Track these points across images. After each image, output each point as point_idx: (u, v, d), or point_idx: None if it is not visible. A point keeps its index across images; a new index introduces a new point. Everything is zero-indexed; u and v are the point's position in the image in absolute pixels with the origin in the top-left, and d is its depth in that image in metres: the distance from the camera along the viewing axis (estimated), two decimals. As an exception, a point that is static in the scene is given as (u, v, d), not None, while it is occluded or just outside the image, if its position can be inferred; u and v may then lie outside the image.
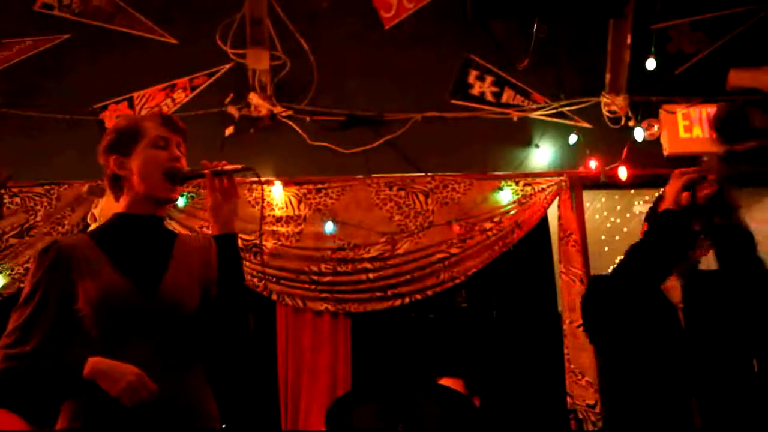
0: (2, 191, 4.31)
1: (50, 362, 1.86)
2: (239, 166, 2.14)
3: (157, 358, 1.92)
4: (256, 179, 4.53)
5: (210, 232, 4.32)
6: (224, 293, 2.04)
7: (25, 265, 4.29)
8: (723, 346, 2.41)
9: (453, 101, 4.82)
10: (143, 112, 4.68)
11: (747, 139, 2.31)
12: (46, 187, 4.46)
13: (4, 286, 4.26)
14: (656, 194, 2.63)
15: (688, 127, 4.66)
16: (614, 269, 2.46)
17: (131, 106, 4.72)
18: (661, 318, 2.47)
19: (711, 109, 4.66)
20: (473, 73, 4.87)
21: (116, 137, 2.09)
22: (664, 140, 4.70)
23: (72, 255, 1.97)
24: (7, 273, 4.28)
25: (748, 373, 2.40)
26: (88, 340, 1.92)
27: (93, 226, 4.25)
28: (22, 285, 4.25)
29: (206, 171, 2.10)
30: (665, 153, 4.68)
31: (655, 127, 4.69)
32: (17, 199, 4.41)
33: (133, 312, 1.94)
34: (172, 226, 4.34)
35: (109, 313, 1.92)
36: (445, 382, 3.75)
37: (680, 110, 4.69)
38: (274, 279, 4.36)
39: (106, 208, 4.32)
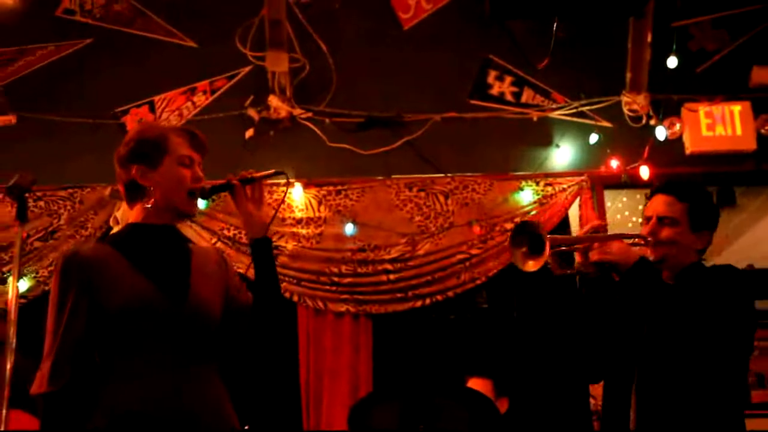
0: (26, 195, 4.36)
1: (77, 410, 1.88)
2: (270, 172, 2.19)
3: (180, 365, 1.94)
4: (279, 181, 4.55)
5: (229, 234, 4.36)
6: (263, 298, 2.10)
7: (50, 269, 4.33)
8: None
9: (472, 102, 4.81)
10: (164, 116, 4.71)
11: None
12: (70, 190, 4.50)
13: (29, 289, 4.30)
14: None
15: (710, 126, 4.62)
16: None
17: (152, 109, 4.75)
18: None
19: (734, 107, 4.63)
20: (492, 73, 4.85)
21: (140, 147, 2.06)
22: (686, 139, 4.66)
23: (93, 262, 1.96)
24: (32, 276, 4.33)
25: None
26: (109, 347, 1.94)
27: (115, 229, 4.29)
28: (46, 288, 4.30)
29: (236, 181, 2.13)
30: (687, 152, 4.65)
31: (677, 126, 4.65)
32: (41, 203, 4.46)
33: (161, 319, 1.94)
34: (194, 228, 4.37)
35: (135, 320, 1.92)
36: (474, 382, 3.74)
37: (702, 108, 4.65)
38: (295, 281, 4.37)
39: (127, 210, 4.35)
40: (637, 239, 2.63)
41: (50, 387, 1.86)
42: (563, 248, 2.53)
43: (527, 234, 2.43)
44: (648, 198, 2.62)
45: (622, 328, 2.55)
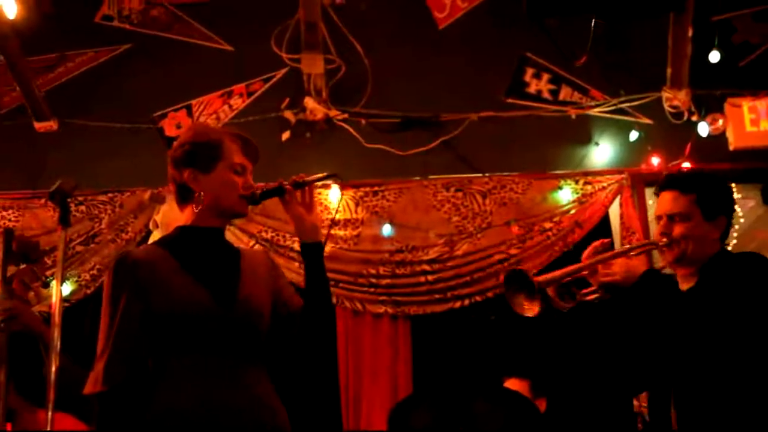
0: (68, 200, 4.43)
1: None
2: (322, 175, 2.17)
3: (230, 368, 1.94)
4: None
5: (267, 236, 4.37)
6: (313, 301, 2.10)
7: (91, 272, 4.40)
8: None
9: (509, 100, 4.77)
10: (201, 119, 4.74)
11: None
12: (110, 195, 4.56)
13: (72, 293, 4.36)
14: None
15: (754, 121, 4.53)
16: None
17: (190, 113, 4.79)
18: None
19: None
20: (529, 71, 4.81)
21: (194, 150, 2.06)
22: (729, 134, 4.57)
23: (144, 264, 1.97)
24: (74, 280, 4.39)
25: None
26: (160, 348, 1.94)
27: (155, 233, 4.33)
28: (88, 292, 4.36)
29: (287, 185, 2.11)
30: (731, 147, 4.55)
31: (720, 122, 4.56)
32: (82, 207, 4.52)
33: (211, 321, 1.95)
34: (232, 231, 4.39)
35: (185, 322, 1.93)
36: (511, 383, 3.71)
37: (746, 103, 4.55)
38: (333, 282, 4.32)
39: (166, 214, 4.39)
40: (646, 247, 2.58)
41: (104, 386, 1.87)
42: (560, 282, 2.50)
43: (518, 281, 2.42)
44: (656, 196, 2.57)
45: (645, 340, 2.50)
